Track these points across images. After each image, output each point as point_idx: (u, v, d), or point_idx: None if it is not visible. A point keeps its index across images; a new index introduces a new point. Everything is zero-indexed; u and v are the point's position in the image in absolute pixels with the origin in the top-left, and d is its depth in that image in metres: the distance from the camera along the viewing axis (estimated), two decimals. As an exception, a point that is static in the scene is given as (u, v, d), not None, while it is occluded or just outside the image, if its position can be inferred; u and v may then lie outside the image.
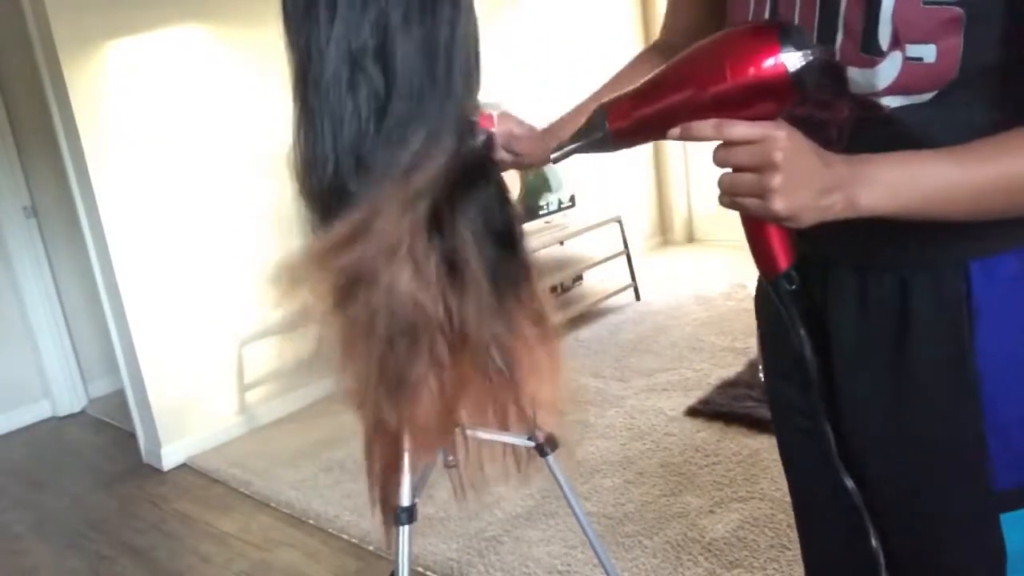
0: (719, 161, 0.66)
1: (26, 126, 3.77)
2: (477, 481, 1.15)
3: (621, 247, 4.21)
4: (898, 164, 0.66)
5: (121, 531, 2.69)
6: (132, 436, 3.28)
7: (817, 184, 0.64)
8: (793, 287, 0.72)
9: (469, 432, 1.20)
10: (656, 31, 5.23)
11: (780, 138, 0.63)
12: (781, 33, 0.63)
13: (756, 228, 0.71)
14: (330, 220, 0.84)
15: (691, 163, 5.16)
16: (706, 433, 2.67)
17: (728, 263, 4.57)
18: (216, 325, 3.22)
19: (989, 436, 0.75)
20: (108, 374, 4.01)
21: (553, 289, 4.10)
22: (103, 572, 2.46)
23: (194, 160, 3.11)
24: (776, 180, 0.63)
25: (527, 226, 3.80)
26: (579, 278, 4.33)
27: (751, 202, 0.65)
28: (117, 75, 2.90)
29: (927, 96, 0.70)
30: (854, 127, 0.75)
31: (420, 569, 2.17)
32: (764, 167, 0.63)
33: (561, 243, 4.13)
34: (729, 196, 0.67)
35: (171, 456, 3.12)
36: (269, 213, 3.30)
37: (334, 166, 0.80)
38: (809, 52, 0.63)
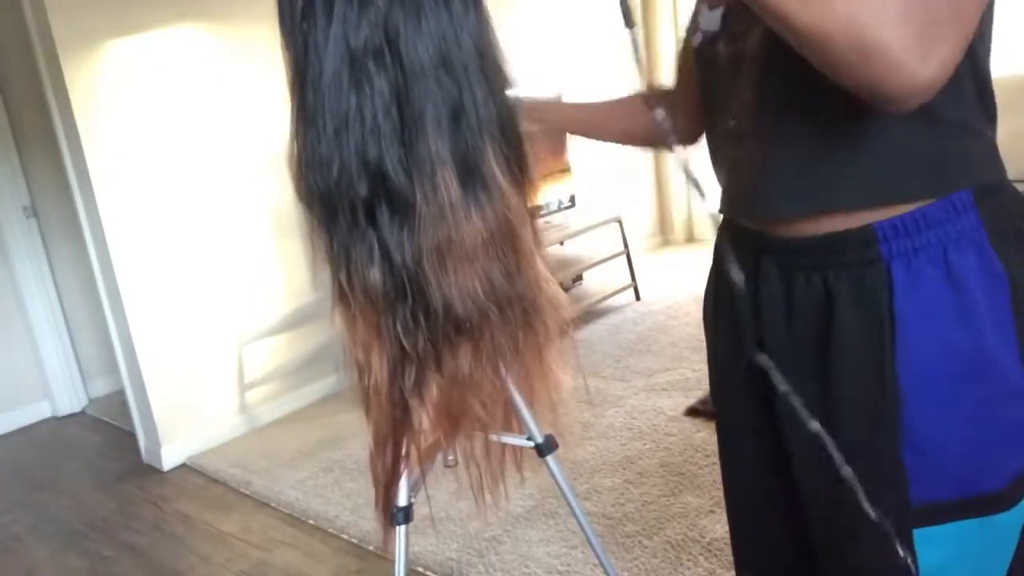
0: None
1: (26, 126, 3.77)
2: (488, 483, 1.15)
3: (621, 247, 4.21)
4: None
5: (121, 531, 2.69)
6: (132, 436, 3.28)
7: None
8: None
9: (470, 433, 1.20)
10: (656, 30, 5.20)
11: None
12: None
13: None
14: (335, 222, 0.83)
15: (691, 165, 5.16)
16: (706, 433, 2.67)
17: (728, 263, 4.57)
18: (216, 325, 3.22)
19: (906, 450, 0.75)
20: (108, 374, 4.02)
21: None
22: (103, 572, 2.46)
23: (194, 160, 3.11)
24: None
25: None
26: (579, 278, 4.34)
27: None
28: (117, 75, 2.90)
29: None
30: (769, 55, 0.76)
31: (420, 569, 2.17)
32: None
33: (561, 243, 4.13)
34: None
35: (171, 456, 3.12)
36: (269, 213, 3.31)
37: (339, 166, 0.79)
38: None
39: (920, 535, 0.76)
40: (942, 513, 0.75)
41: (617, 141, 1.15)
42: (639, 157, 5.09)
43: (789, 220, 0.80)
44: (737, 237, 0.83)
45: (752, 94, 0.79)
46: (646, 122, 1.05)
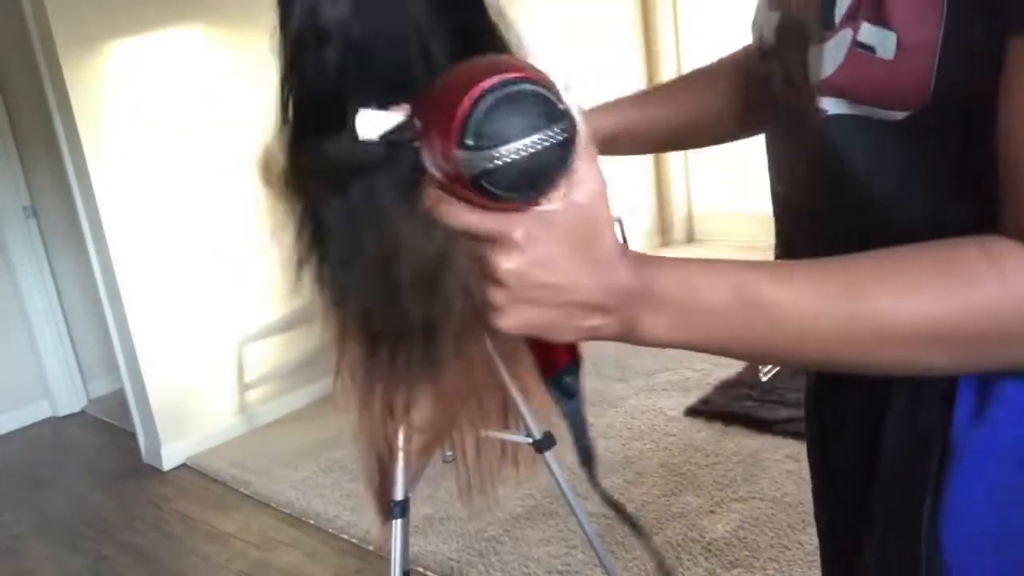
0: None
1: (26, 126, 3.77)
2: (483, 481, 1.15)
3: (621, 247, 4.20)
4: (687, 282, 0.47)
5: (121, 531, 2.69)
6: (132, 436, 3.28)
7: (575, 300, 0.46)
8: (574, 390, 0.57)
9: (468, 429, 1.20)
10: (657, 32, 5.19)
11: (513, 242, 0.44)
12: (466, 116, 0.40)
13: None
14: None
15: (691, 163, 5.16)
16: (706, 433, 2.67)
17: (728, 263, 4.56)
18: (216, 325, 3.22)
19: None
20: (108, 374, 4.01)
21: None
22: (103, 572, 2.46)
23: (194, 160, 3.11)
24: (497, 296, 0.46)
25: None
26: (579, 278, 4.33)
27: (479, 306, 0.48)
28: (117, 75, 2.90)
29: (891, 115, 0.50)
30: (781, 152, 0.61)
31: (420, 569, 2.17)
32: (485, 276, 0.46)
33: (561, 243, 4.12)
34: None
35: (171, 456, 3.12)
36: (269, 213, 3.30)
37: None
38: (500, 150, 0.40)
39: None
40: None
41: (671, 144, 0.88)
42: (639, 157, 5.09)
43: None
44: None
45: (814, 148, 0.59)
46: (722, 105, 0.81)
